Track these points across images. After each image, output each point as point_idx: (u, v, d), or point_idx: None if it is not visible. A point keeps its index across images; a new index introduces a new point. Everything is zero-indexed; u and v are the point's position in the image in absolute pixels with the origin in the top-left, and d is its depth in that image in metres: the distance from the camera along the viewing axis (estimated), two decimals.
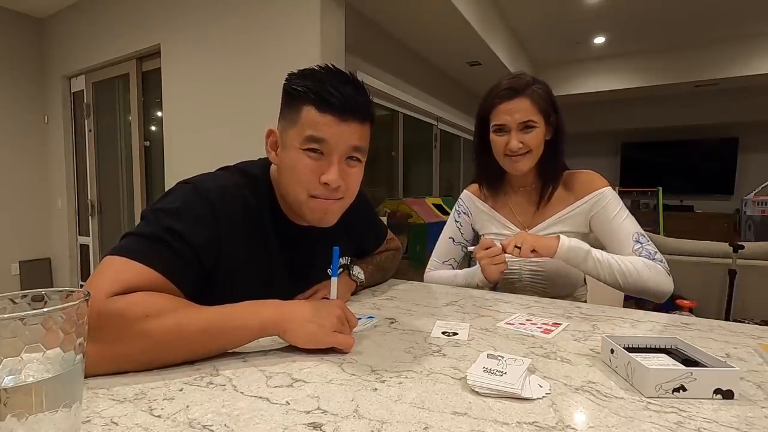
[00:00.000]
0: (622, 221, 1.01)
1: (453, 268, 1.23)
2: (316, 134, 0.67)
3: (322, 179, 0.69)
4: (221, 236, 0.66)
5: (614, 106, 6.14)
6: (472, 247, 1.10)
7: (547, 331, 0.72)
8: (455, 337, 0.69)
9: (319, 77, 0.68)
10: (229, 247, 0.67)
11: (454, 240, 1.24)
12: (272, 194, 0.78)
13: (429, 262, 1.28)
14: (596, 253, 0.96)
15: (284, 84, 0.72)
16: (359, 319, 0.77)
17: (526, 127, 1.02)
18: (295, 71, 0.72)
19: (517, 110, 1.02)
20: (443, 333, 0.71)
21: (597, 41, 4.91)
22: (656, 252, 0.97)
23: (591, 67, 5.56)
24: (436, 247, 1.27)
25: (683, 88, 5.48)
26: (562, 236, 0.97)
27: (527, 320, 0.79)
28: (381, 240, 1.10)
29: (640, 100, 6.14)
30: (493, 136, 1.07)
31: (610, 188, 1.06)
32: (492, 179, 1.17)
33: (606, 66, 5.50)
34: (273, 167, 0.79)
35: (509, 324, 0.76)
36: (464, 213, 1.24)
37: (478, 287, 1.08)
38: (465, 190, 1.26)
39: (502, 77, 1.07)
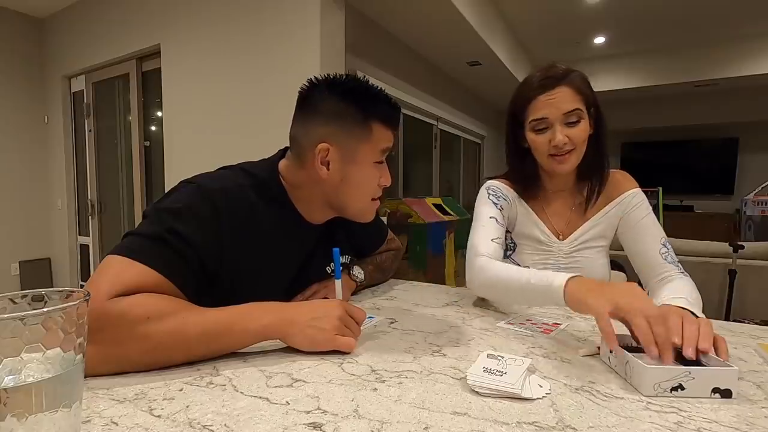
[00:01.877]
0: (651, 224, 0.96)
1: (504, 253, 1.04)
2: (389, 145, 0.78)
3: (381, 183, 0.80)
4: (224, 237, 0.66)
5: (614, 106, 6.12)
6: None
7: (547, 331, 0.72)
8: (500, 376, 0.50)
9: (383, 98, 0.76)
10: (233, 248, 0.67)
11: (497, 220, 1.01)
12: (284, 194, 0.78)
13: (474, 249, 0.95)
14: (695, 307, 0.77)
15: (336, 97, 0.73)
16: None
17: (572, 118, 0.91)
18: (345, 85, 0.74)
19: (559, 100, 0.90)
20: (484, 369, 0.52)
21: (597, 41, 4.91)
22: (676, 259, 0.93)
23: (591, 67, 5.55)
24: (475, 232, 0.99)
25: (683, 88, 5.48)
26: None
27: (527, 320, 0.79)
28: (382, 240, 1.10)
29: (640, 100, 6.14)
30: (532, 136, 0.95)
31: (640, 189, 1.01)
32: (528, 182, 1.06)
33: (606, 66, 5.50)
34: (288, 172, 0.78)
35: (509, 324, 0.76)
36: (504, 199, 1.05)
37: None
38: (496, 181, 1.09)
39: (532, 72, 0.96)
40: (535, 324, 0.77)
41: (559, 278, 0.71)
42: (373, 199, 0.81)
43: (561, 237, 1.04)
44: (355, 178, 0.76)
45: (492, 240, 0.97)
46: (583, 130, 0.92)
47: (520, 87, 0.98)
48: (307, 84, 0.76)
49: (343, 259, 0.92)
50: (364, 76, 0.77)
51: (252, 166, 0.78)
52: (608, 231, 1.03)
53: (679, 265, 0.92)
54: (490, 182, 1.10)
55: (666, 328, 0.54)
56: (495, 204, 1.04)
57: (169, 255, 0.59)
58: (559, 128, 0.91)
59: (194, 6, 2.66)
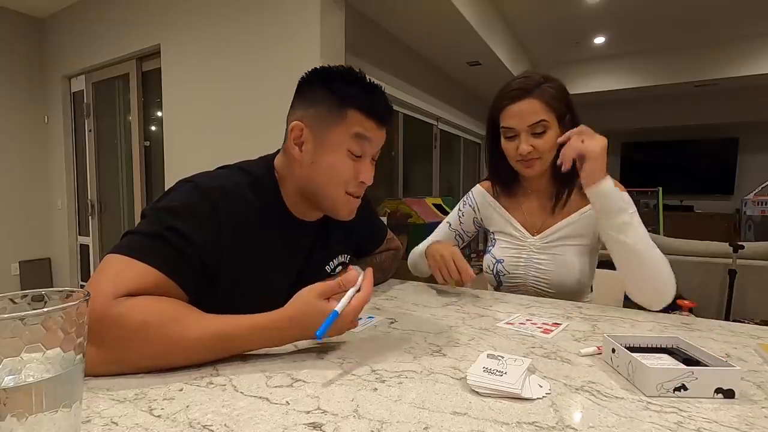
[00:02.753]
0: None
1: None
2: (365, 133, 0.73)
3: (361, 178, 0.76)
4: (223, 236, 0.66)
5: (614, 106, 6.14)
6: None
7: (547, 331, 0.72)
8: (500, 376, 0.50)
9: (364, 86, 0.73)
10: (231, 247, 0.67)
11: (450, 225, 1.23)
12: (276, 191, 0.78)
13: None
14: (636, 217, 0.88)
15: (320, 83, 0.73)
16: (359, 319, 0.76)
17: (537, 129, 0.97)
18: (329, 72, 0.74)
19: (525, 112, 0.97)
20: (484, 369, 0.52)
21: (597, 41, 4.91)
22: None
23: (591, 67, 5.56)
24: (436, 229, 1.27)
25: (683, 88, 5.48)
26: (609, 179, 0.89)
27: (527, 320, 0.79)
28: (381, 239, 1.10)
29: (640, 100, 6.14)
30: (504, 142, 1.03)
31: (624, 193, 1.01)
32: (506, 181, 1.14)
33: (606, 66, 5.50)
34: (279, 163, 0.79)
35: (509, 324, 0.77)
36: (470, 206, 1.20)
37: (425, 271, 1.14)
38: (478, 185, 1.22)
39: (512, 78, 1.03)
40: (535, 324, 0.77)
41: (426, 245, 1.07)
42: (348, 194, 0.77)
43: (536, 233, 1.09)
44: (325, 163, 0.73)
45: (429, 239, 1.22)
46: (548, 140, 0.97)
47: (497, 93, 1.03)
48: (304, 74, 0.77)
49: (341, 258, 0.92)
50: (359, 71, 0.76)
51: (249, 165, 0.78)
52: (586, 230, 1.04)
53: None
54: (475, 186, 1.23)
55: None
56: (459, 210, 1.22)
57: (169, 253, 0.59)
58: (525, 138, 0.98)
59: (194, 6, 2.66)
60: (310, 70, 0.76)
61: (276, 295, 0.64)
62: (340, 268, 0.91)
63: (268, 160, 0.80)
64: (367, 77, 0.76)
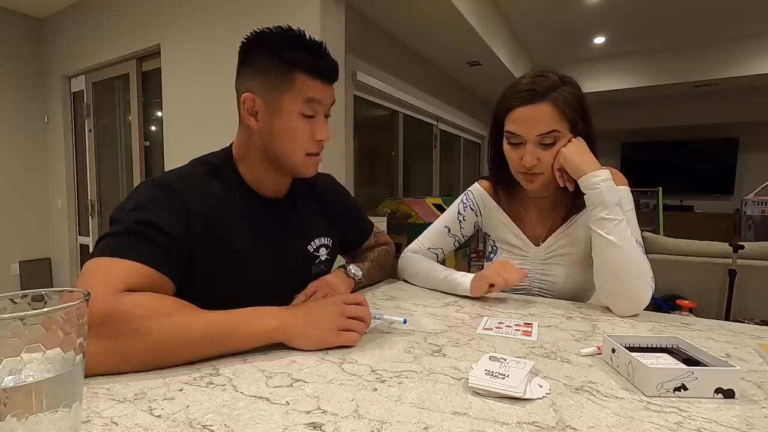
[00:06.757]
0: (630, 221, 0.88)
1: (437, 258, 1.13)
2: (315, 96, 0.74)
3: (317, 137, 0.77)
4: (192, 224, 0.67)
5: (614, 106, 6.14)
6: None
7: (527, 333, 0.71)
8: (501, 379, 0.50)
9: (309, 49, 0.73)
10: (202, 233, 0.68)
11: (449, 230, 1.12)
12: (236, 174, 0.79)
13: (413, 242, 1.15)
14: (619, 214, 0.85)
15: (264, 50, 0.73)
16: (378, 318, 0.72)
17: (546, 140, 0.87)
18: (272, 37, 0.73)
19: (535, 119, 0.86)
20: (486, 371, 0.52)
21: (597, 41, 4.90)
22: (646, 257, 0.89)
23: (591, 67, 5.56)
24: (426, 230, 1.15)
25: (683, 88, 5.48)
26: (597, 174, 0.86)
27: (501, 323, 0.77)
28: (368, 231, 1.09)
29: (640, 100, 6.14)
30: (506, 146, 0.93)
31: (627, 188, 0.94)
32: (508, 186, 1.04)
33: (606, 66, 5.50)
34: (238, 142, 0.80)
35: (487, 329, 0.74)
36: (471, 209, 1.11)
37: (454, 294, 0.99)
38: (477, 185, 1.12)
39: (525, 74, 0.92)
40: (510, 326, 0.74)
41: (466, 282, 0.95)
42: (308, 155, 0.78)
43: (539, 243, 1.03)
44: (280, 129, 0.74)
45: (429, 249, 1.14)
46: (556, 152, 0.89)
47: (507, 90, 0.93)
48: (245, 38, 0.76)
49: (324, 240, 0.92)
50: (299, 30, 0.75)
51: (207, 156, 0.80)
52: (587, 235, 0.95)
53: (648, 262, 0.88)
54: (474, 185, 1.14)
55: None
56: (459, 213, 1.12)
57: (148, 246, 0.61)
58: (531, 148, 0.89)
59: (194, 6, 2.66)
60: (250, 34, 0.76)
61: (257, 283, 0.64)
62: (323, 250, 0.91)
63: (225, 149, 0.82)
64: (308, 35, 0.75)
